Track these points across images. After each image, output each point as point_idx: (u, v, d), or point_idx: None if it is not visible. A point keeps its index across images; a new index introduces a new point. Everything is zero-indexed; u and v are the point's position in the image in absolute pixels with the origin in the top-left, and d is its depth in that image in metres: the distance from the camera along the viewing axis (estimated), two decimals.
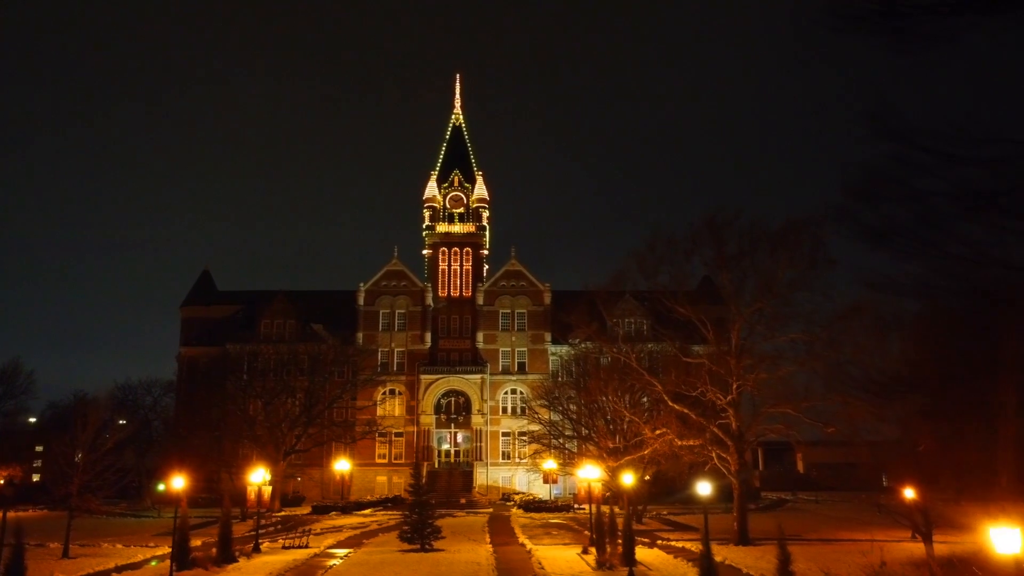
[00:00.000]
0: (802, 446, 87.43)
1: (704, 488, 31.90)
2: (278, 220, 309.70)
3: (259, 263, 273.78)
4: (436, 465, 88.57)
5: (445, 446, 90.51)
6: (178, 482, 32.33)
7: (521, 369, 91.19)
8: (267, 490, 43.44)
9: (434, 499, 70.21)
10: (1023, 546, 11.47)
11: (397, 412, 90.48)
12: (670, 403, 47.93)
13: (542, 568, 34.50)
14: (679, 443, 47.90)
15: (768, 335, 45.57)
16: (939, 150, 9.63)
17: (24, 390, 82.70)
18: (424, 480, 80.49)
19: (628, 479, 39.35)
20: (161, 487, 70.82)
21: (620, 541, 34.93)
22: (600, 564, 34.85)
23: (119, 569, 35.63)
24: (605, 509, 39.83)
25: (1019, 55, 10.04)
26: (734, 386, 45.10)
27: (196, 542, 38.88)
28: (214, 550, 36.46)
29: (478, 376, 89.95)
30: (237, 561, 36.65)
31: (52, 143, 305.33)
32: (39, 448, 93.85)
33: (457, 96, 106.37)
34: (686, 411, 46.64)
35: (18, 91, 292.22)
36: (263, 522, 53.13)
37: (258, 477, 43.13)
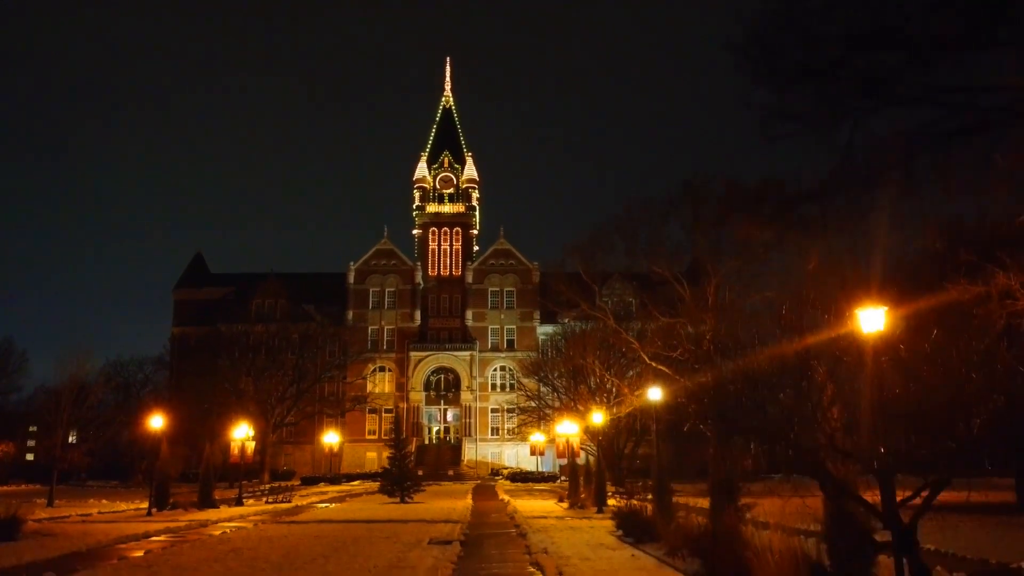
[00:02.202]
0: None
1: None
2: (270, 203, 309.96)
3: (252, 247, 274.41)
4: (426, 441, 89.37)
5: (435, 423, 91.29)
6: (157, 421, 32.98)
7: (510, 346, 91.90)
8: (250, 446, 44.14)
9: (422, 471, 71.49)
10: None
11: (387, 389, 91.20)
12: (649, 361, 48.70)
13: (516, 512, 35.27)
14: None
15: (744, 294, 46.29)
16: None
17: (16, 369, 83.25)
18: (412, 455, 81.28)
19: (598, 418, 40.11)
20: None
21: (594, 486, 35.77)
22: (572, 505, 35.67)
23: (101, 513, 36.34)
24: (582, 462, 40.71)
25: None
26: (708, 337, 45.81)
27: (180, 490, 39.61)
28: (196, 497, 37.21)
29: (467, 353, 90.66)
30: (218, 508, 37.39)
31: (44, 130, 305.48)
32: (32, 428, 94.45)
33: (447, 79, 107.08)
34: (663, 368, 47.38)
35: (7, 83, 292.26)
36: (250, 488, 53.94)
37: (241, 433, 43.86)
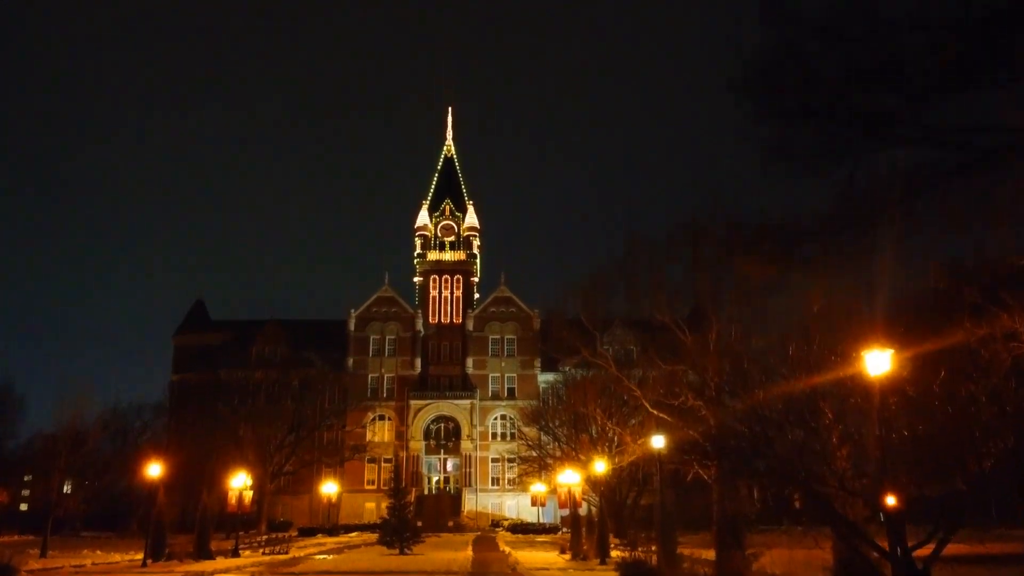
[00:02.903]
0: None
1: None
2: (272, 250, 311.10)
3: (254, 294, 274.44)
4: (425, 491, 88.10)
5: (435, 472, 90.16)
6: (154, 469, 32.57)
7: (511, 395, 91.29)
8: (248, 495, 43.53)
9: (422, 522, 70.34)
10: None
11: (387, 437, 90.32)
12: (651, 409, 48.23)
13: (517, 563, 34.62)
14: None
15: (748, 336, 46.01)
16: (825, 31, 10.52)
17: (14, 415, 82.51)
18: (412, 505, 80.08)
19: (600, 467, 39.59)
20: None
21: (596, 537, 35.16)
22: (575, 556, 35.01)
23: (95, 565, 35.63)
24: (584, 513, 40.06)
25: None
26: (712, 385, 45.44)
27: (176, 540, 38.90)
28: (191, 547, 36.54)
29: (468, 401, 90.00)
30: (215, 559, 36.69)
31: (44, 172, 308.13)
32: (28, 477, 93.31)
33: (449, 128, 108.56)
34: (664, 416, 46.90)
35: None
36: (246, 539, 52.97)
37: (239, 481, 43.30)
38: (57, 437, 62.09)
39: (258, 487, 67.08)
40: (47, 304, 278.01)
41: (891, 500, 12.43)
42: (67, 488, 79.35)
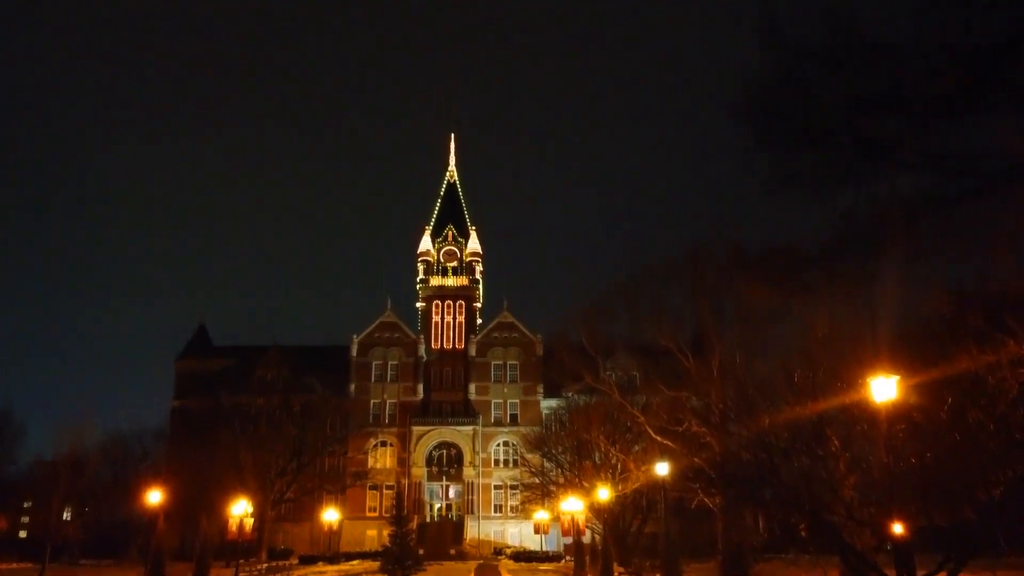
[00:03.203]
0: None
1: None
2: (274, 276, 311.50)
3: (256, 318, 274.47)
4: (427, 518, 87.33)
5: (437, 500, 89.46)
6: (154, 496, 32.35)
7: (513, 421, 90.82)
8: (248, 522, 43.16)
9: (424, 550, 69.64)
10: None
11: (388, 464, 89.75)
12: (654, 436, 47.95)
13: None
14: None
15: (751, 362, 45.85)
16: (823, 59, 10.54)
17: (13, 441, 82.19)
18: (414, 533, 79.24)
19: (603, 494, 39.22)
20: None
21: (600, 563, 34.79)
22: None
23: None
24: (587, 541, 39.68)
25: None
26: (716, 411, 45.21)
27: (175, 568, 38.54)
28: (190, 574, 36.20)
29: (470, 428, 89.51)
30: None
31: (47, 196, 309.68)
32: (27, 504, 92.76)
33: (451, 154, 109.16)
34: (668, 442, 46.62)
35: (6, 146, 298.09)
36: (246, 567, 52.41)
37: (240, 509, 42.99)
38: (57, 464, 61.84)
39: (259, 514, 66.53)
40: (48, 329, 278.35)
41: (898, 529, 12.24)
42: (67, 515, 78.95)
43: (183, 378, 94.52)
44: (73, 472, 66.58)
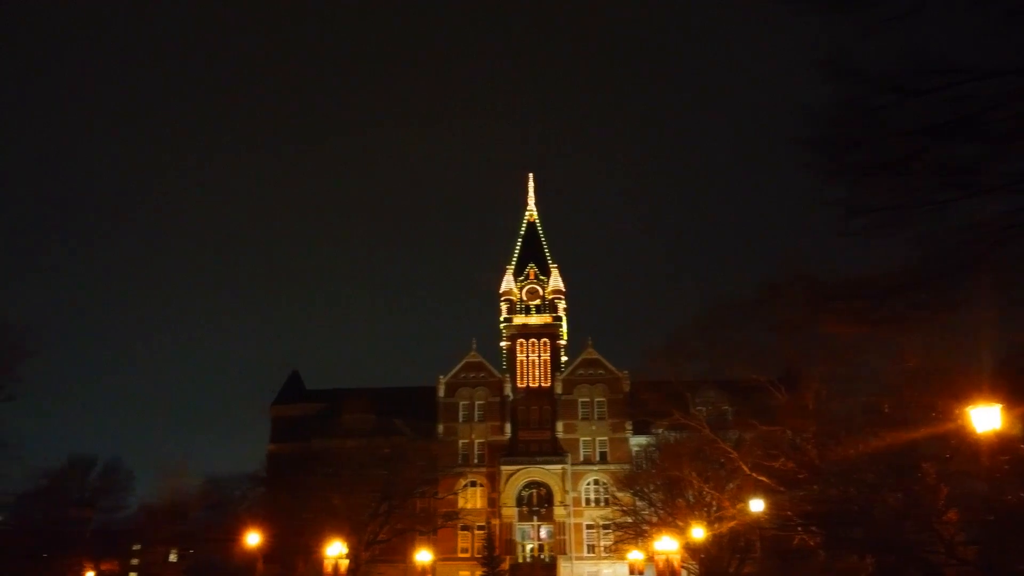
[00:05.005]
0: None
1: None
2: (360, 319, 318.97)
3: (344, 363, 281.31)
4: (519, 559, 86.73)
5: (528, 540, 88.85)
6: (253, 539, 33.42)
7: (602, 459, 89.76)
8: (343, 563, 43.95)
9: None
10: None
11: (479, 504, 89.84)
12: (748, 472, 46.63)
13: None
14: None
15: (840, 397, 44.26)
16: (893, 87, 10.37)
17: (122, 488, 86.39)
18: (506, 574, 78.61)
19: (698, 533, 38.23)
20: None
21: None
22: None
23: None
24: None
25: None
26: (812, 444, 43.63)
27: None
28: None
29: (559, 467, 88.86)
30: None
31: (146, 253, 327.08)
32: (136, 547, 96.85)
33: (530, 194, 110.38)
34: (763, 479, 45.22)
35: (110, 178, 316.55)
36: None
37: (334, 551, 43.84)
38: (161, 509, 64.76)
39: (353, 556, 67.47)
40: (151, 381, 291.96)
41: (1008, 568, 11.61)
42: (172, 557, 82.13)
43: (278, 423, 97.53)
44: (175, 516, 69.49)
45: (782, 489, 45.66)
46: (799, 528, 45.26)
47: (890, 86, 10.38)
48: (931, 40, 10.27)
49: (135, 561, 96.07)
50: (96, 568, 77.36)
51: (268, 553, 74.79)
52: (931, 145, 10.60)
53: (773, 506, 46.09)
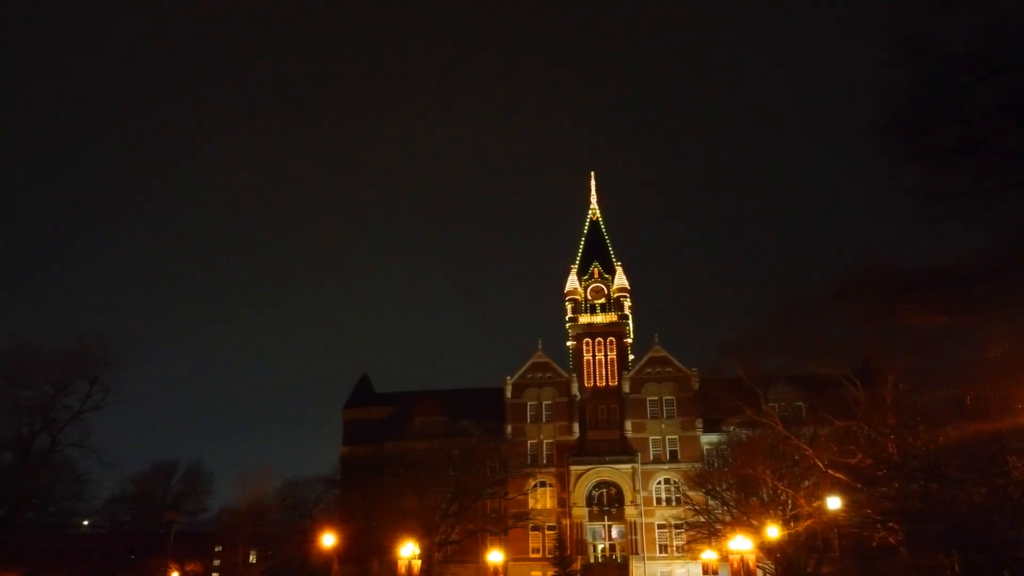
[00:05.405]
0: None
1: None
2: (427, 322, 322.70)
3: (412, 365, 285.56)
4: (591, 559, 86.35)
5: (599, 540, 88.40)
6: (328, 539, 34.09)
7: (673, 457, 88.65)
8: (416, 564, 44.49)
9: None
10: None
11: (549, 504, 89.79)
12: (824, 468, 45.43)
13: None
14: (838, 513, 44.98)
15: (922, 389, 42.68)
16: (971, 65, 9.94)
17: (204, 491, 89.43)
18: (578, 574, 78.29)
19: (773, 532, 37.39)
20: None
21: None
22: None
23: None
24: None
25: None
26: (892, 439, 42.23)
27: None
28: None
29: (629, 466, 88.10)
30: None
31: (228, 271, 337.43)
32: (217, 548, 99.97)
33: (593, 192, 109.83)
34: (840, 476, 43.98)
35: (180, 187, 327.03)
36: None
37: (407, 551, 44.42)
38: (241, 511, 66.79)
39: (426, 556, 68.32)
40: (234, 387, 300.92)
41: None
42: (252, 558, 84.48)
43: (350, 426, 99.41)
44: (255, 519, 71.43)
45: (860, 486, 44.37)
46: (879, 526, 43.87)
47: (968, 64, 9.98)
48: (1010, 15, 9.83)
49: (217, 562, 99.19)
50: (181, 569, 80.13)
51: (343, 554, 76.47)
52: (1012, 125, 10.15)
53: (851, 503, 44.84)
